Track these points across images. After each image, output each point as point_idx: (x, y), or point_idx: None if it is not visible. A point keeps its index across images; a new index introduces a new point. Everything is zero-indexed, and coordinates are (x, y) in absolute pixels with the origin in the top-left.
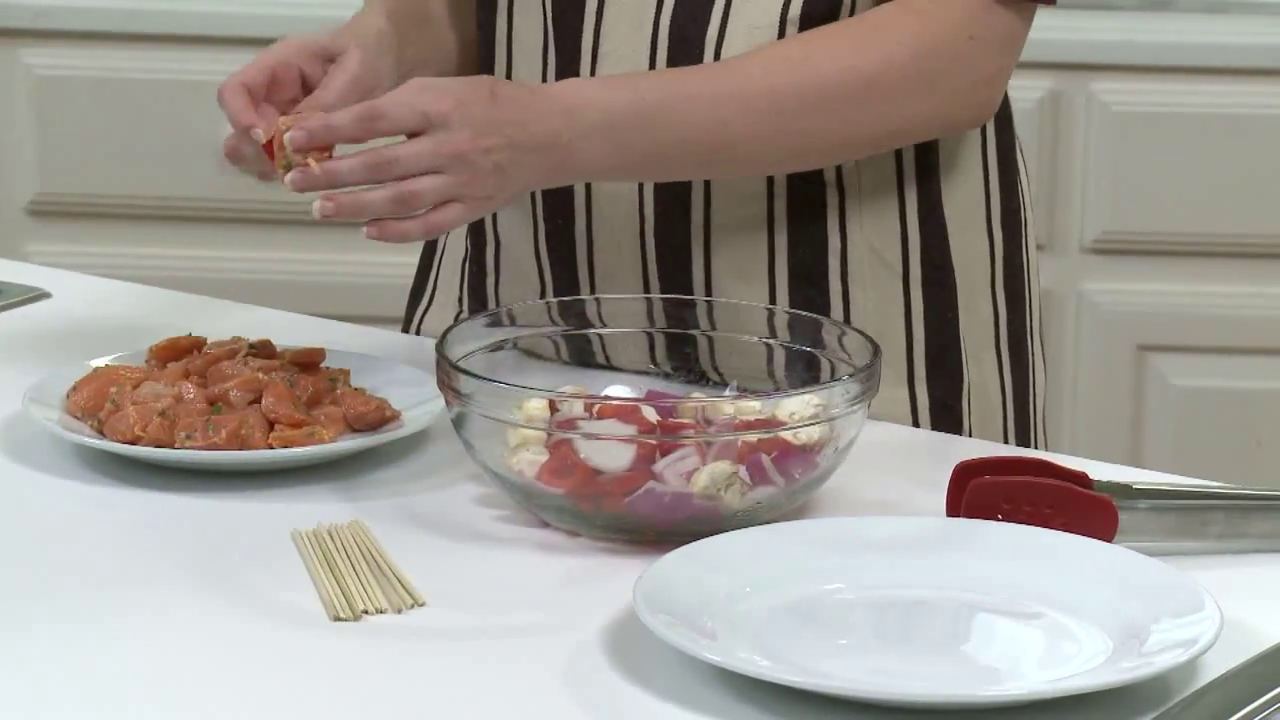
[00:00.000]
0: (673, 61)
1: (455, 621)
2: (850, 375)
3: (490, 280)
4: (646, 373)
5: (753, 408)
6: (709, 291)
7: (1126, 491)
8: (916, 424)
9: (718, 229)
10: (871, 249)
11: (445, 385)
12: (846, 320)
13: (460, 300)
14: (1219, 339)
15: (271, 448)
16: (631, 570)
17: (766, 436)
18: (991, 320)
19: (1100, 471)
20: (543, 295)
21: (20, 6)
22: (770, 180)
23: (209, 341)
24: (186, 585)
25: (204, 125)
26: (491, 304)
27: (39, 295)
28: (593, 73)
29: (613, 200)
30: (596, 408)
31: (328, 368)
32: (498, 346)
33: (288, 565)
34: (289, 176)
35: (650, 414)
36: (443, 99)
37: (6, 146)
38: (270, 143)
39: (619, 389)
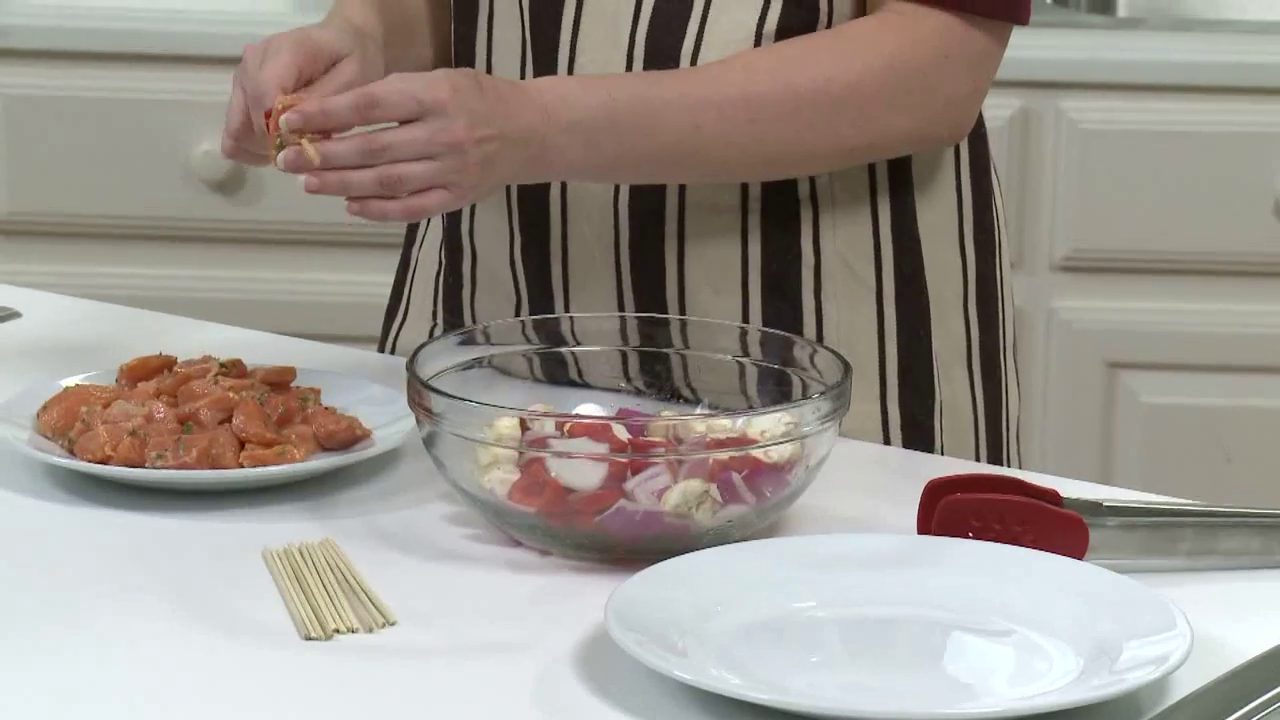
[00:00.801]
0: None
1: (427, 640)
2: (821, 393)
3: (466, 292)
4: (619, 390)
5: (724, 426)
6: (682, 303)
7: (1096, 509)
8: (887, 440)
9: (691, 240)
10: (844, 262)
11: (416, 404)
12: (819, 334)
13: (435, 314)
14: (1188, 356)
15: (242, 467)
16: (603, 588)
17: (738, 455)
18: (964, 337)
19: (1070, 489)
20: (518, 306)
21: None
22: (744, 192)
23: (179, 361)
24: (158, 605)
25: (173, 144)
26: (467, 316)
27: (9, 315)
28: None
29: (587, 213)
30: (568, 426)
31: (298, 386)
32: (469, 365)
33: (259, 584)
34: (282, 155)
35: (621, 432)
36: (438, 87)
37: None
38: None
39: (590, 407)
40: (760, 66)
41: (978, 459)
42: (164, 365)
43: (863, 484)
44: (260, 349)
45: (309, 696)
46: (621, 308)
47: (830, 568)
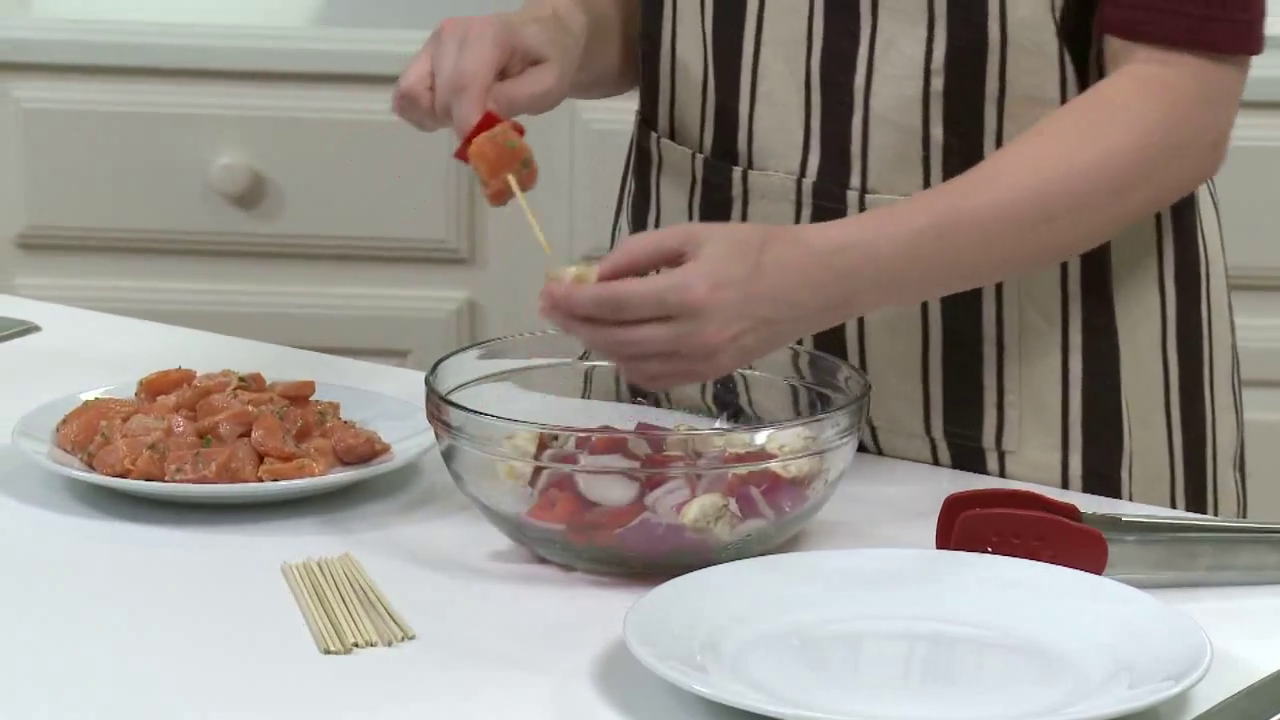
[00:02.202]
0: (826, 106)
1: (445, 654)
2: (840, 408)
3: None
4: (637, 403)
5: (742, 440)
6: (861, 345)
7: (1115, 524)
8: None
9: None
10: (1027, 313)
11: (435, 418)
12: (999, 383)
13: None
14: None
15: (261, 481)
16: (621, 603)
17: (756, 469)
18: (1161, 381)
19: (1089, 504)
20: None
21: (6, 40)
22: None
23: (199, 375)
24: (176, 618)
25: (192, 158)
26: None
27: (28, 329)
28: (751, 109)
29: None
30: (590, 442)
31: (318, 401)
32: (488, 379)
33: (278, 598)
34: (543, 300)
35: (641, 447)
36: (694, 288)
37: None
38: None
39: (610, 421)
40: (1045, 161)
41: (1173, 505)
42: (183, 379)
43: (882, 499)
44: (279, 363)
45: (327, 710)
46: (800, 342)
47: (849, 583)
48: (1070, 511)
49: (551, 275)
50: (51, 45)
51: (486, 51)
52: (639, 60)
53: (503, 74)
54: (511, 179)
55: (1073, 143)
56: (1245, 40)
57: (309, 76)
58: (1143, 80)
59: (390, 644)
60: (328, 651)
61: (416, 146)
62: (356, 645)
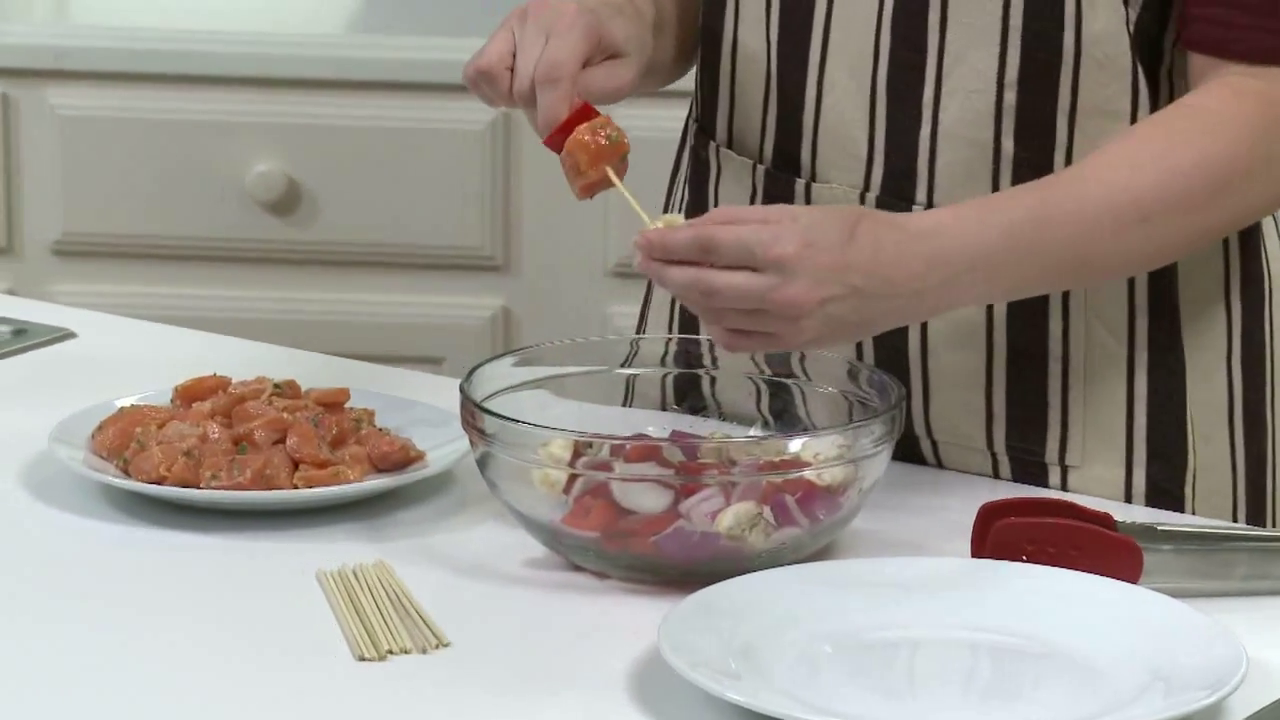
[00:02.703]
0: (892, 119)
1: (480, 661)
2: (875, 416)
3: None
4: (668, 410)
5: (777, 448)
6: (924, 358)
7: (1150, 533)
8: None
9: None
10: (1094, 330)
11: (469, 425)
12: (1064, 400)
13: (668, 341)
14: None
15: (296, 488)
16: (656, 610)
17: (791, 477)
18: (1226, 398)
19: (1124, 513)
20: None
21: (44, 48)
22: None
23: (234, 381)
24: (211, 625)
25: (229, 165)
26: (704, 350)
27: (64, 335)
28: (816, 121)
29: None
30: (625, 450)
31: (352, 408)
32: (523, 386)
33: (313, 605)
34: (638, 241)
35: (675, 455)
36: (786, 241)
37: (32, 187)
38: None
39: (644, 429)
40: (1144, 161)
41: (1234, 520)
42: (218, 386)
43: (916, 507)
44: (314, 370)
45: (362, 717)
46: (861, 354)
47: (884, 591)
48: (1105, 520)
49: (646, 227)
50: (88, 53)
51: (577, 43)
52: (699, 68)
53: (585, 63)
54: (611, 171)
55: (1169, 145)
56: None
57: (345, 84)
58: (1237, 90)
59: (425, 651)
60: (362, 658)
61: (452, 154)
62: (391, 652)
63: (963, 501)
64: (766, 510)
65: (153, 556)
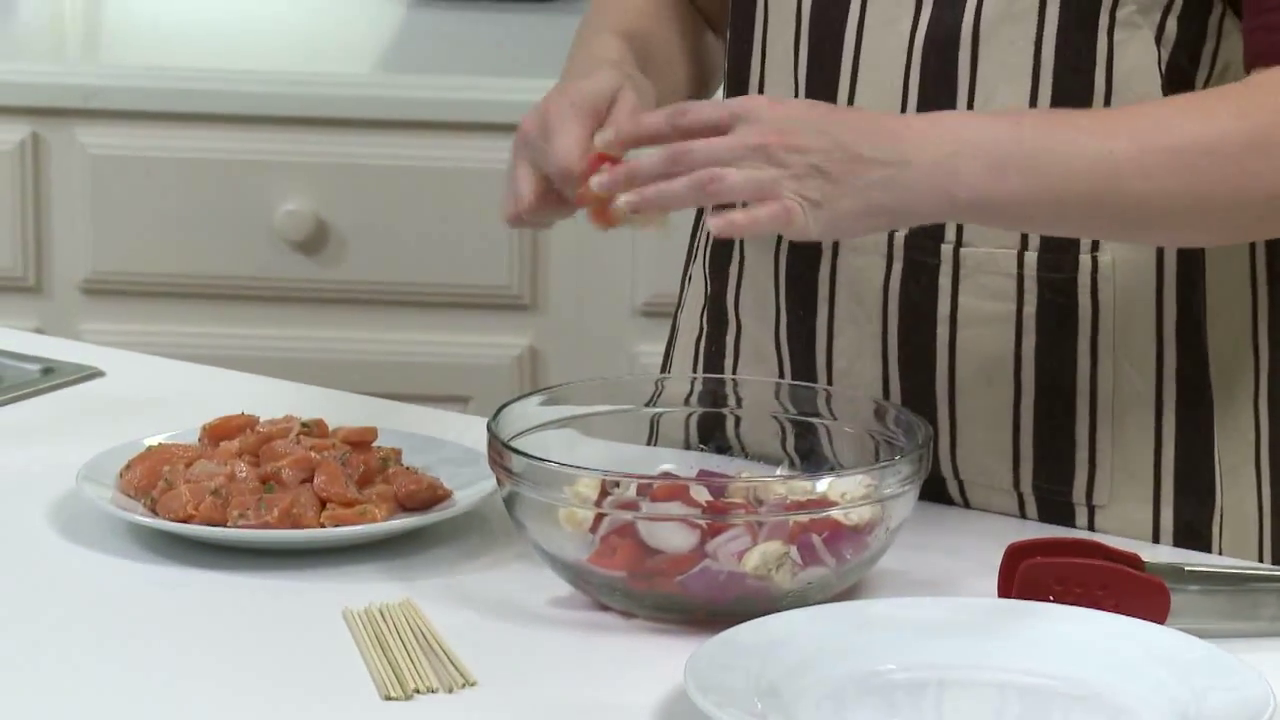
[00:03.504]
0: None
1: (507, 700)
2: (902, 456)
3: (729, 362)
4: (695, 450)
5: (804, 488)
6: (952, 397)
7: (1178, 574)
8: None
9: (964, 329)
10: (1122, 367)
11: (496, 464)
12: (1092, 437)
13: (693, 381)
14: None
15: (323, 526)
16: (682, 650)
17: (818, 517)
18: (1253, 436)
19: (1152, 553)
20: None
21: (74, 87)
22: (1019, 286)
23: (262, 420)
24: (238, 664)
25: (257, 204)
26: (729, 387)
27: (93, 374)
28: None
29: (859, 296)
30: (652, 489)
31: (379, 447)
32: (550, 425)
33: (339, 644)
34: (594, 180)
35: (702, 494)
36: (757, 99)
37: (61, 225)
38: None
39: (669, 468)
40: (1176, 108)
41: (1260, 559)
42: (246, 425)
43: (943, 547)
44: (342, 409)
45: None
46: (888, 393)
47: (910, 631)
48: (1133, 560)
49: (597, 144)
50: (118, 92)
51: (572, 130)
52: (728, 90)
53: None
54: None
55: (1214, 102)
56: None
57: (373, 123)
58: (1252, 84)
59: (451, 690)
60: (389, 698)
61: (479, 193)
62: (418, 691)
63: (989, 541)
64: (793, 550)
65: (179, 595)
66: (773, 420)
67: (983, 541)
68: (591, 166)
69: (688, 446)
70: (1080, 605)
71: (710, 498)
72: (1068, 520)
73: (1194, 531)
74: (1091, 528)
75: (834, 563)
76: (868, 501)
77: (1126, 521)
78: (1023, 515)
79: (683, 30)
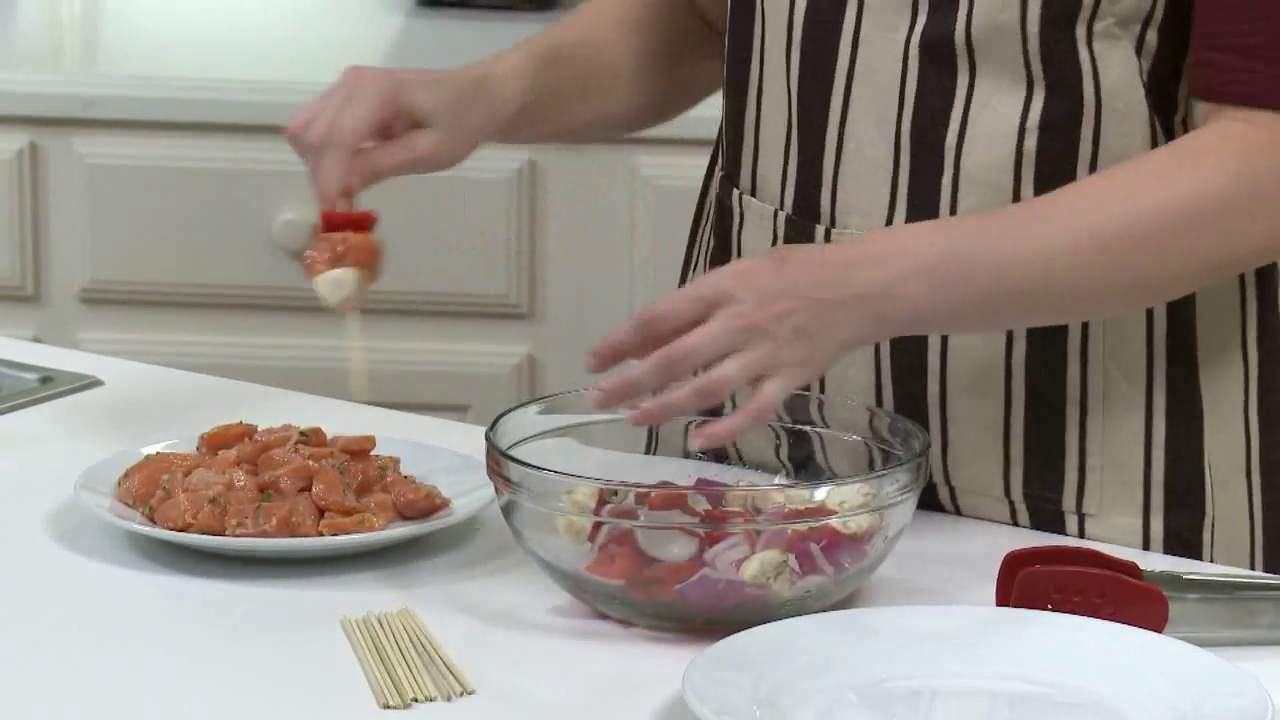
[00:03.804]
0: (915, 164)
1: (505, 709)
2: (900, 464)
3: None
4: (692, 459)
5: (802, 496)
6: (943, 405)
7: (1176, 582)
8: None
9: (954, 339)
10: (1112, 376)
11: (494, 473)
12: (1082, 445)
13: None
14: None
15: (322, 535)
16: (680, 659)
17: (816, 525)
18: (1244, 445)
19: (1150, 562)
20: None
21: (72, 97)
22: None
23: (260, 429)
24: (236, 672)
25: (255, 213)
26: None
27: (91, 383)
28: (836, 167)
29: None
30: (650, 497)
31: (378, 455)
32: (548, 434)
33: (337, 653)
34: (595, 397)
35: (700, 502)
36: (722, 278)
37: (59, 235)
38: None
39: (668, 477)
40: (1102, 194)
41: (1252, 568)
42: (244, 433)
43: (941, 555)
44: (340, 417)
45: None
46: (880, 400)
47: (908, 640)
48: (1131, 569)
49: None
50: (116, 101)
51: (367, 111)
52: (724, 117)
53: (387, 132)
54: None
55: (1138, 180)
56: None
57: None
58: (1223, 134)
59: (449, 699)
60: (387, 706)
61: (477, 202)
62: (415, 700)
63: (987, 549)
64: (791, 558)
65: (178, 604)
66: (769, 429)
67: (981, 550)
68: (354, 216)
69: (686, 455)
70: (1078, 614)
71: (708, 506)
72: (1058, 528)
73: (1185, 540)
74: (1082, 535)
75: (832, 571)
76: (866, 510)
77: (1117, 530)
78: (1014, 523)
79: (655, 51)
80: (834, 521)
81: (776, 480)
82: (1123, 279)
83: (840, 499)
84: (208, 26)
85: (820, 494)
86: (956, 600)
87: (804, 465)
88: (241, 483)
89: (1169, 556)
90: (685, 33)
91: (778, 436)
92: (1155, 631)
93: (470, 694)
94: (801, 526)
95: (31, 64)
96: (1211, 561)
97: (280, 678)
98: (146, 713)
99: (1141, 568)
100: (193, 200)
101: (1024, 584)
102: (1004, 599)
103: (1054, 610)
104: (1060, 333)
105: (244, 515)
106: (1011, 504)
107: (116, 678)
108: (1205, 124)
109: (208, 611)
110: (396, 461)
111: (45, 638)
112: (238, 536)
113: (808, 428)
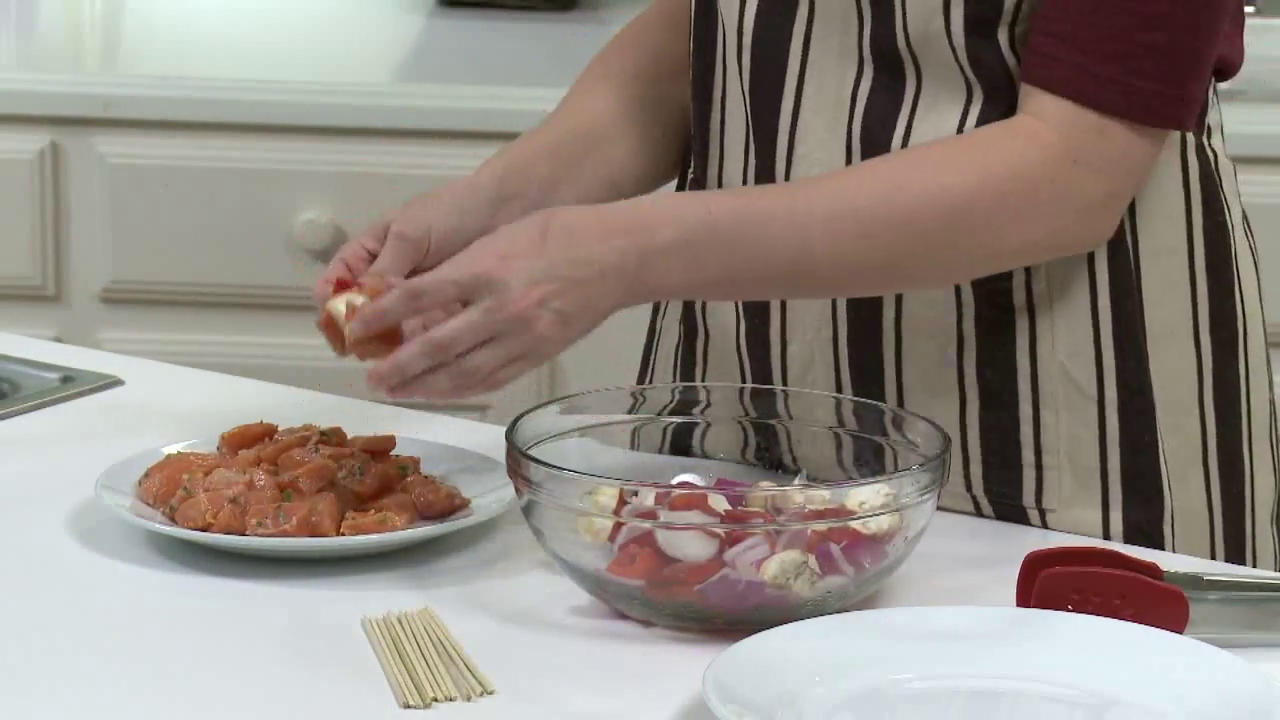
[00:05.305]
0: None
1: (525, 709)
2: (920, 465)
3: (699, 370)
4: (711, 459)
5: (822, 497)
6: (900, 405)
7: (1196, 583)
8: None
9: (908, 339)
10: (1063, 372)
11: (515, 473)
12: (1037, 444)
13: (673, 390)
14: None
15: (342, 535)
16: (701, 659)
17: (836, 526)
18: (1199, 438)
19: (1170, 563)
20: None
21: (93, 97)
22: (957, 299)
23: (280, 429)
24: (257, 672)
25: (275, 213)
26: (701, 395)
27: (112, 382)
28: (788, 170)
29: (806, 304)
30: (670, 498)
31: (398, 455)
32: (569, 434)
33: (358, 652)
34: (370, 384)
35: (720, 503)
36: (481, 260)
37: (80, 234)
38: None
39: (689, 477)
40: (871, 176)
41: (1213, 559)
42: (265, 433)
43: (962, 556)
44: (360, 417)
45: None
46: (837, 404)
47: (929, 640)
48: (1152, 570)
49: (329, 311)
50: (136, 101)
51: (380, 257)
52: (693, 121)
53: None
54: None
55: (907, 168)
56: (1132, 106)
57: (391, 132)
58: (1008, 128)
59: (469, 699)
60: (407, 706)
61: None
62: (436, 700)
63: (1007, 550)
64: (812, 559)
65: (198, 603)
66: (828, 433)
67: (1001, 551)
68: (332, 289)
69: (703, 455)
70: (1099, 614)
71: (729, 506)
72: (1022, 524)
73: (1145, 534)
74: (1045, 530)
75: (853, 572)
76: (886, 510)
77: (1078, 524)
78: (979, 517)
79: (659, 139)
80: (854, 522)
81: (797, 481)
82: (881, 262)
83: (861, 499)
84: (228, 27)
85: (840, 494)
86: (977, 601)
87: (769, 461)
88: (262, 482)
89: (1182, 556)
90: (684, 103)
91: (839, 442)
92: (1176, 633)
93: (491, 694)
94: (822, 527)
95: (52, 64)
96: (1174, 553)
97: (300, 677)
98: (167, 712)
99: (1162, 569)
100: (213, 200)
101: (1044, 585)
102: (1024, 600)
103: (1074, 611)
104: (1009, 329)
105: (264, 515)
106: (975, 499)
107: (136, 677)
108: (1020, 109)
109: (227, 611)
110: (417, 461)
111: (66, 637)
112: (258, 536)
113: (877, 438)
